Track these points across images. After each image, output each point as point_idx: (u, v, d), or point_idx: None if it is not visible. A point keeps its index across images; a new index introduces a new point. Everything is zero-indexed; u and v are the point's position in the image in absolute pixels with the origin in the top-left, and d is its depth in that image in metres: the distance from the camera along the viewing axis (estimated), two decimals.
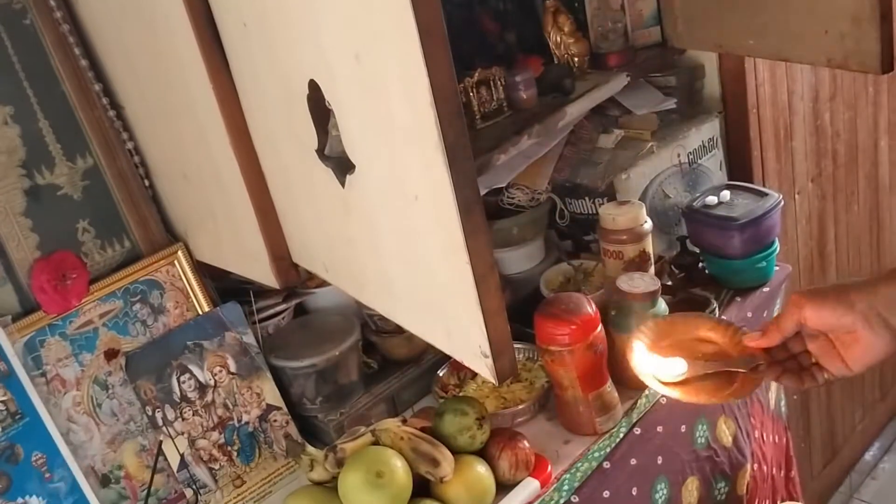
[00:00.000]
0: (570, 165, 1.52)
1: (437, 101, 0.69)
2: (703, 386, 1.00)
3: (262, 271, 1.16)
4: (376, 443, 1.15)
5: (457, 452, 1.15)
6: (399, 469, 1.09)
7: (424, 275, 0.85)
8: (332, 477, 1.15)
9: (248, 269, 1.20)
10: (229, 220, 1.16)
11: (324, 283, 1.44)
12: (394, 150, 0.79)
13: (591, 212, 1.53)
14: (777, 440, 1.55)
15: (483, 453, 1.17)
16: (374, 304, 1.01)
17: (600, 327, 1.22)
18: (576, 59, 1.49)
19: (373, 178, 0.85)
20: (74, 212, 1.20)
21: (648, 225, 1.39)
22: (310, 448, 1.15)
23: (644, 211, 1.39)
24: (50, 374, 1.16)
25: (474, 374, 1.40)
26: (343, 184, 0.90)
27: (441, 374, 1.39)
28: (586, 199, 1.53)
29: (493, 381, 0.81)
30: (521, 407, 1.29)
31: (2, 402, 1.09)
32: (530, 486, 1.16)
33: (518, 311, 1.38)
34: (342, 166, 0.89)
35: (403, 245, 0.85)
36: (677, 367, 1.01)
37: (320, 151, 0.92)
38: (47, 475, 1.13)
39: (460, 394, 1.35)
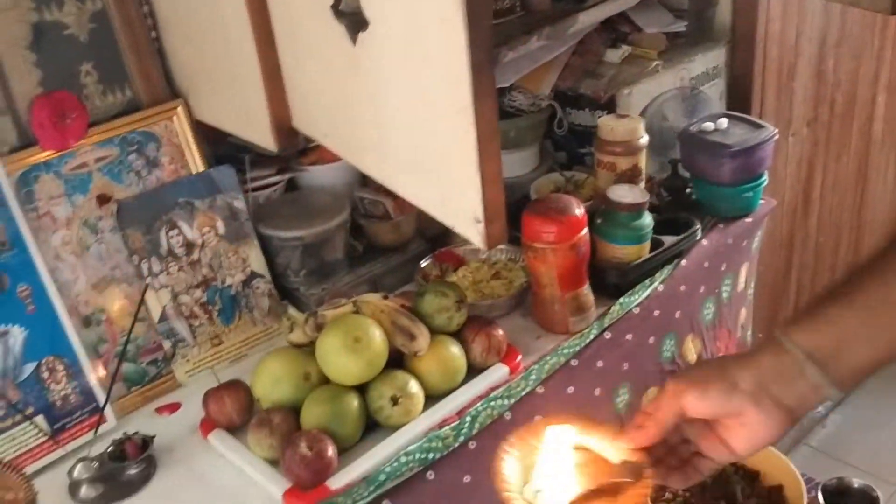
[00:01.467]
0: (575, 75, 1.52)
1: None
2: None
3: (260, 134, 1.17)
4: (357, 313, 1.18)
5: (433, 332, 1.18)
6: (377, 337, 1.13)
7: (426, 137, 0.86)
8: (310, 341, 1.18)
9: (246, 130, 1.20)
10: (234, 80, 1.16)
11: (318, 161, 1.46)
12: (412, 3, 0.79)
13: (589, 124, 1.55)
14: None
15: (458, 337, 1.21)
16: (371, 170, 1.02)
17: (586, 230, 1.25)
18: None
19: (386, 36, 0.86)
20: (79, 53, 1.19)
21: (644, 140, 1.41)
22: (291, 310, 1.18)
23: (642, 126, 1.41)
24: (42, 210, 1.17)
25: (456, 267, 1.42)
26: (354, 41, 0.91)
27: (423, 265, 1.42)
28: (587, 109, 1.54)
29: (483, 247, 0.84)
30: (497, 300, 1.33)
31: None
32: (500, 370, 1.20)
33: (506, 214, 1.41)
34: (356, 23, 0.90)
35: (409, 106, 0.87)
36: (561, 490, 0.81)
37: (335, 7, 0.92)
38: (31, 307, 1.15)
39: None
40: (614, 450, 0.82)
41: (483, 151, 0.77)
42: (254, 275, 1.34)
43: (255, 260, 1.34)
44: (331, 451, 1.06)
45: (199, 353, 1.29)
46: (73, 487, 1.11)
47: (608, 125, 1.40)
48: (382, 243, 1.45)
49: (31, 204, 1.17)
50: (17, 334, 1.14)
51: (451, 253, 1.43)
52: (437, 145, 0.85)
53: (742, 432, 0.80)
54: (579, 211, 1.23)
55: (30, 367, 1.14)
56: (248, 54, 1.09)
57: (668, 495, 1.36)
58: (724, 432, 0.81)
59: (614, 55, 1.55)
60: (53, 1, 1.16)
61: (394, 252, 1.45)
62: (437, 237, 1.50)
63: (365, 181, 1.48)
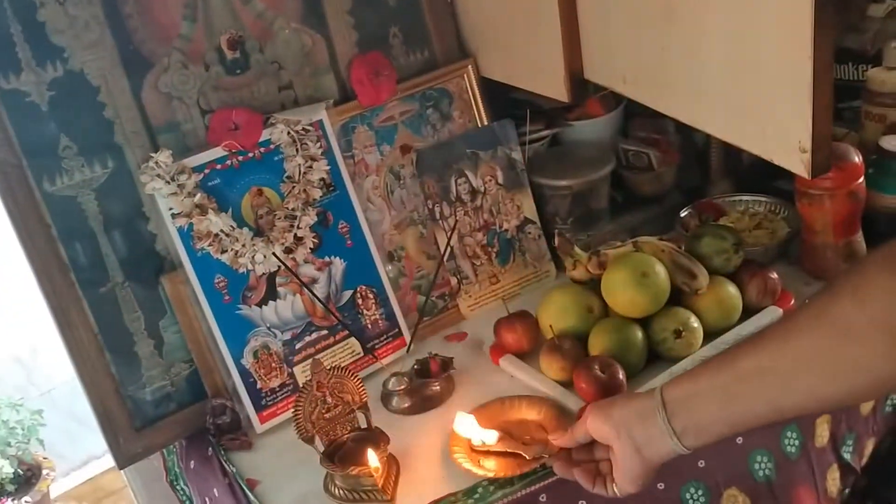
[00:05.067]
0: (838, 30, 1.53)
1: None
2: (503, 461, 1.09)
3: (553, 86, 1.27)
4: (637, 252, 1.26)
5: (710, 273, 1.25)
6: (661, 273, 1.21)
7: (749, 75, 0.93)
8: (590, 278, 1.28)
9: (537, 83, 1.31)
10: (530, 36, 1.27)
11: (581, 117, 1.55)
12: None
13: (851, 78, 1.55)
14: None
15: (733, 278, 1.27)
16: (674, 111, 1.10)
17: (863, 178, 1.27)
18: None
19: None
20: (389, 17, 1.34)
21: None
22: (577, 248, 1.28)
23: None
24: (357, 157, 1.34)
25: (716, 218, 1.48)
26: None
27: (683, 215, 1.48)
28: (850, 64, 1.54)
29: (807, 176, 0.90)
30: (764, 248, 1.37)
31: (324, 171, 1.26)
32: (774, 312, 1.25)
33: (764, 166, 1.45)
34: None
35: (732, 47, 0.94)
36: (487, 437, 1.11)
37: None
38: (349, 242, 1.31)
39: None
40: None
41: (818, 84, 0.83)
42: (526, 220, 1.46)
43: (528, 207, 1.45)
44: (621, 374, 1.15)
45: (480, 290, 1.42)
46: (386, 398, 1.26)
47: (878, 77, 1.41)
48: (642, 194, 1.53)
49: (349, 152, 1.33)
50: (339, 265, 1.30)
51: (711, 203, 1.49)
52: (759, 83, 0.91)
53: (615, 464, 0.92)
54: (857, 158, 1.26)
55: (347, 294, 1.31)
56: (548, 11, 1.19)
57: None
58: (613, 463, 0.93)
59: (878, 9, 1.54)
60: None
61: (653, 202, 1.53)
62: (693, 189, 1.56)
63: (627, 133, 1.57)
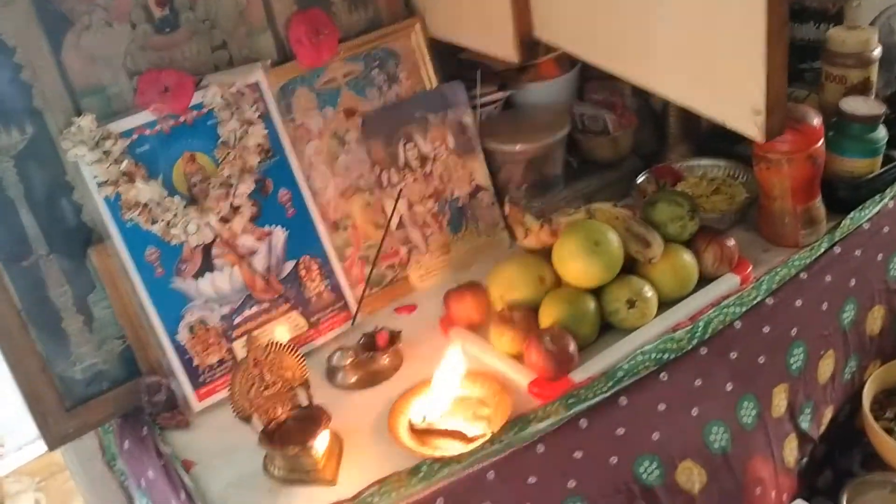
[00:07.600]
0: None
1: None
2: (445, 439, 1.07)
3: (501, 45, 1.21)
4: (591, 220, 1.22)
5: (665, 240, 1.21)
6: (614, 241, 1.17)
7: (702, 34, 0.87)
8: (543, 247, 1.23)
9: (486, 43, 1.25)
10: None
11: (535, 79, 1.49)
12: None
13: (813, 38, 1.50)
14: None
15: (689, 245, 1.23)
16: (626, 72, 1.05)
17: (822, 142, 1.23)
18: None
19: None
20: None
21: (877, 52, 1.36)
22: (528, 217, 1.23)
23: (875, 37, 1.36)
24: (298, 121, 1.27)
25: (674, 183, 1.43)
26: None
27: (640, 181, 1.44)
28: (811, 23, 1.50)
29: (761, 139, 0.85)
30: (721, 214, 1.33)
31: (261, 136, 1.20)
32: (731, 280, 1.22)
33: (724, 129, 1.40)
34: None
35: (685, 3, 0.88)
36: (430, 413, 1.08)
37: None
38: (290, 211, 1.25)
39: None
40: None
41: (772, 42, 0.78)
42: (478, 188, 1.40)
43: (480, 173, 1.40)
44: (572, 346, 1.11)
45: (431, 260, 1.37)
46: (331, 373, 1.21)
47: (839, 37, 1.36)
48: (598, 159, 1.48)
49: (290, 115, 1.26)
50: (280, 235, 1.24)
51: (669, 168, 1.44)
52: (713, 42, 0.86)
53: None
54: (817, 120, 1.22)
55: (289, 266, 1.25)
56: None
57: None
58: None
59: None
60: None
61: (609, 168, 1.48)
62: (651, 154, 1.51)
63: (582, 96, 1.51)
